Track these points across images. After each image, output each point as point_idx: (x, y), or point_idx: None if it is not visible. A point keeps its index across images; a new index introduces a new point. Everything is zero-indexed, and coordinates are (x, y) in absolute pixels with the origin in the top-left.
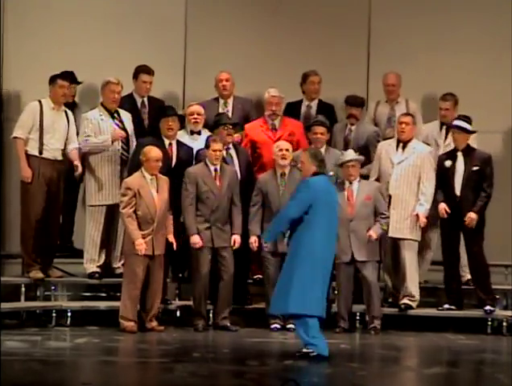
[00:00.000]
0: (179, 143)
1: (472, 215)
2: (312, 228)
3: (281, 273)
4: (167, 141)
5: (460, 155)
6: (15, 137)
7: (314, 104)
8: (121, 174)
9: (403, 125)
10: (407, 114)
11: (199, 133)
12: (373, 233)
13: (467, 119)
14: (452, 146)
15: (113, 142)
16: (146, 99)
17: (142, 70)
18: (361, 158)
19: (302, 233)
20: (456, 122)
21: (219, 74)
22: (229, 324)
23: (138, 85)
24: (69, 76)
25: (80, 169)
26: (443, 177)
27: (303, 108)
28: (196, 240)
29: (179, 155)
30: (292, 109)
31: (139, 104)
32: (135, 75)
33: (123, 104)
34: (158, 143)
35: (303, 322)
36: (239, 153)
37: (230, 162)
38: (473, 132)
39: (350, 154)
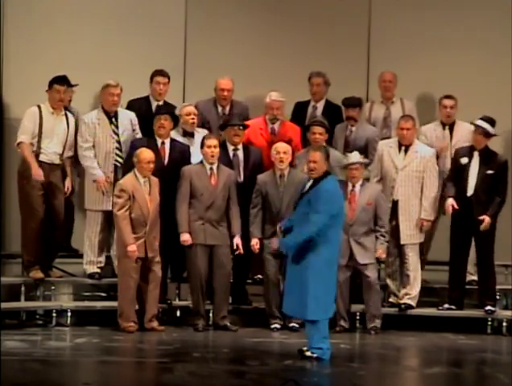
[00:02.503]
0: (172, 141)
1: (487, 219)
2: (331, 233)
3: (295, 273)
4: (159, 141)
5: (476, 155)
6: (20, 143)
7: (320, 104)
8: (114, 180)
9: (405, 132)
10: (408, 118)
11: (192, 135)
12: (382, 253)
13: (491, 121)
14: (459, 146)
15: (94, 181)
16: (161, 103)
17: (156, 72)
18: (366, 160)
19: (321, 238)
20: (479, 122)
21: (220, 81)
22: (228, 323)
23: (152, 88)
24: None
25: (68, 186)
26: (458, 173)
27: (309, 109)
28: (185, 237)
29: (173, 154)
30: (301, 109)
31: (154, 108)
32: (151, 78)
33: (138, 105)
34: (151, 143)
35: (316, 324)
36: (250, 155)
37: (236, 163)
38: (494, 135)
39: (355, 157)
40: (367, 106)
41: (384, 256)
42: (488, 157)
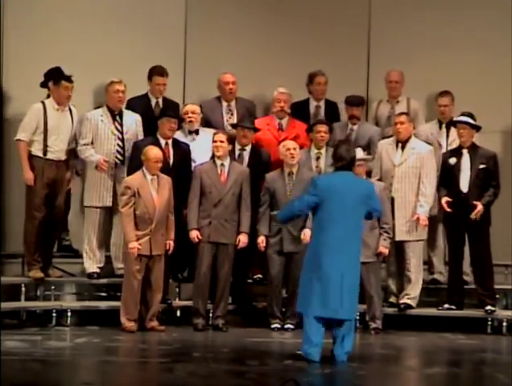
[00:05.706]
0: (174, 141)
1: (480, 206)
2: (319, 228)
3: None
4: (163, 141)
5: (465, 152)
6: (18, 140)
7: (322, 104)
8: (114, 177)
9: (398, 125)
10: (402, 113)
11: (196, 132)
12: (385, 250)
13: (471, 115)
14: (456, 144)
15: (96, 167)
16: (160, 100)
17: (155, 72)
18: (370, 157)
19: (312, 233)
20: (462, 118)
21: (224, 76)
22: (220, 324)
23: (152, 87)
24: (58, 73)
25: (68, 175)
26: (448, 174)
27: (312, 109)
28: (193, 234)
29: (177, 154)
30: (299, 109)
31: (153, 105)
32: (149, 77)
33: (137, 103)
34: (155, 143)
35: (304, 319)
36: (255, 155)
37: (239, 163)
38: (479, 127)
39: (359, 153)
40: (374, 105)
41: (387, 252)
42: (477, 152)
